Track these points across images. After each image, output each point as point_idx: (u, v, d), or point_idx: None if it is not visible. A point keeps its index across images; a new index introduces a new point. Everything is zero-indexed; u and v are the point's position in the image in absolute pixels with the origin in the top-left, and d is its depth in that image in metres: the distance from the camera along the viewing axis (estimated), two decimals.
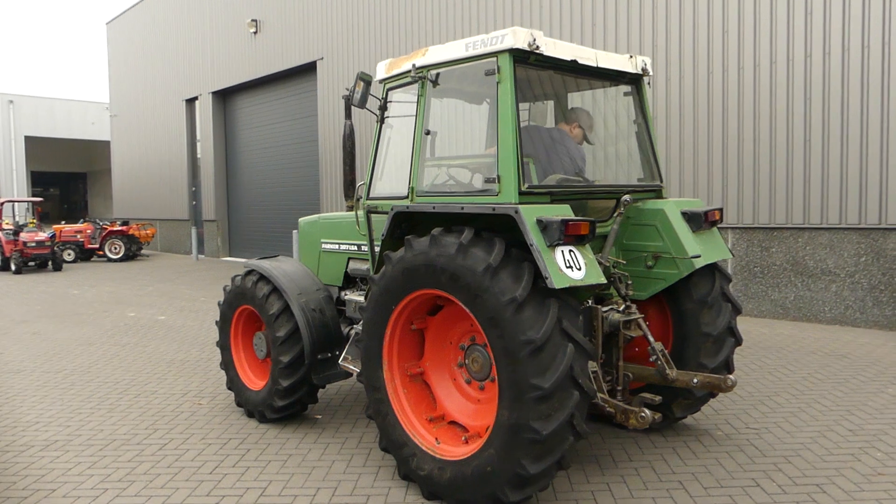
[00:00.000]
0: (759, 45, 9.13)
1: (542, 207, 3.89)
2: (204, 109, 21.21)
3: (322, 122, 16.39)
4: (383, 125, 4.99)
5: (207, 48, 20.82)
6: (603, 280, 3.84)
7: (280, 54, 17.70)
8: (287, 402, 5.48)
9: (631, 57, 4.90)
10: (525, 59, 4.16)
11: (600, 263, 4.49)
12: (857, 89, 8.40)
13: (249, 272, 5.74)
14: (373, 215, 5.04)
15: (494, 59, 4.10)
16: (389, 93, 4.92)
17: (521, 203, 3.98)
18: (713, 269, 4.92)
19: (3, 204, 20.96)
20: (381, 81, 4.99)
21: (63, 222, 25.90)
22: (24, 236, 18.47)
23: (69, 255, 21.01)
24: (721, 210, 4.92)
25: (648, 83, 5.07)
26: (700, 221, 4.73)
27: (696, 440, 5.07)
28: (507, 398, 3.68)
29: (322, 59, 16.16)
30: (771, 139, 9.09)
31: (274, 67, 17.87)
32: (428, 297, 4.22)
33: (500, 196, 4.04)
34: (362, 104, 4.77)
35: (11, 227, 19.18)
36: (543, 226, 3.69)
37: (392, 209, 4.50)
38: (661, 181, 5.10)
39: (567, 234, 3.69)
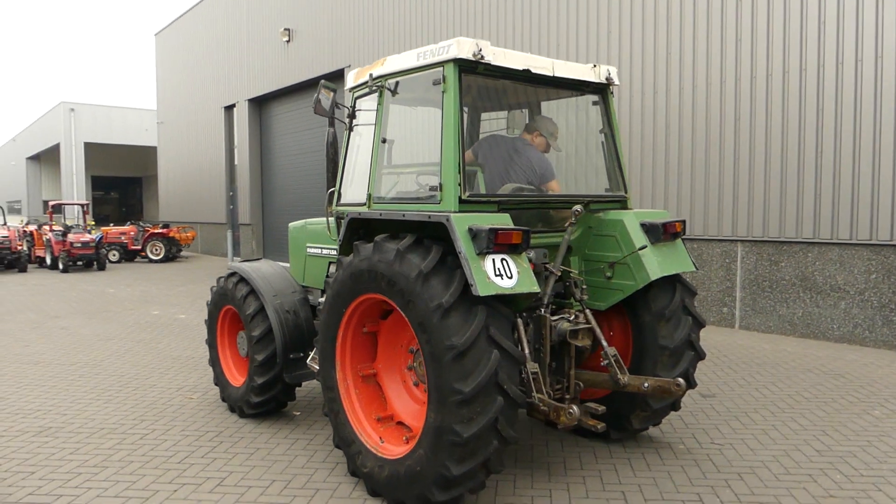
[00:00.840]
0: (772, 55, 8.98)
1: (479, 216, 3.98)
2: (241, 116, 21.92)
3: None
4: (352, 133, 5.17)
5: (244, 56, 21.54)
6: (536, 289, 3.90)
7: (310, 62, 18.19)
8: (262, 399, 5.70)
9: (594, 66, 4.95)
10: (473, 68, 4.27)
11: (550, 272, 4.55)
12: (870, 100, 8.18)
13: (231, 274, 6.00)
14: (342, 221, 5.22)
15: (441, 68, 4.23)
16: (357, 101, 5.09)
17: (462, 211, 4.10)
18: (674, 282, 4.91)
19: (53, 206, 22.07)
20: (349, 90, 5.18)
21: (111, 225, 27.06)
22: (71, 237, 19.42)
23: (114, 255, 21.96)
24: (683, 222, 4.90)
25: (611, 93, 5.10)
26: (658, 233, 4.74)
27: (655, 452, 5.06)
28: (433, 401, 3.79)
29: (350, 66, 16.54)
30: (783, 151, 8.92)
31: (305, 75, 18.36)
32: (376, 301, 4.36)
33: (442, 204, 4.16)
34: (327, 113, 4.95)
35: (61, 228, 20.18)
36: (473, 234, 3.78)
37: (346, 215, 4.67)
38: (626, 192, 5.12)
39: (497, 243, 3.77)
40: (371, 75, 4.76)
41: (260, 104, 21.48)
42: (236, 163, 22.64)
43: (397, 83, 4.64)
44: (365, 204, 4.71)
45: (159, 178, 29.33)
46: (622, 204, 5.13)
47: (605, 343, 4.61)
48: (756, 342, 8.73)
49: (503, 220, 4.01)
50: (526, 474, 4.68)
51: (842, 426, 5.58)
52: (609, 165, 5.15)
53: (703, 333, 9.21)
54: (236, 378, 6.12)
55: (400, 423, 4.54)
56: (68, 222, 22.40)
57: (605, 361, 4.58)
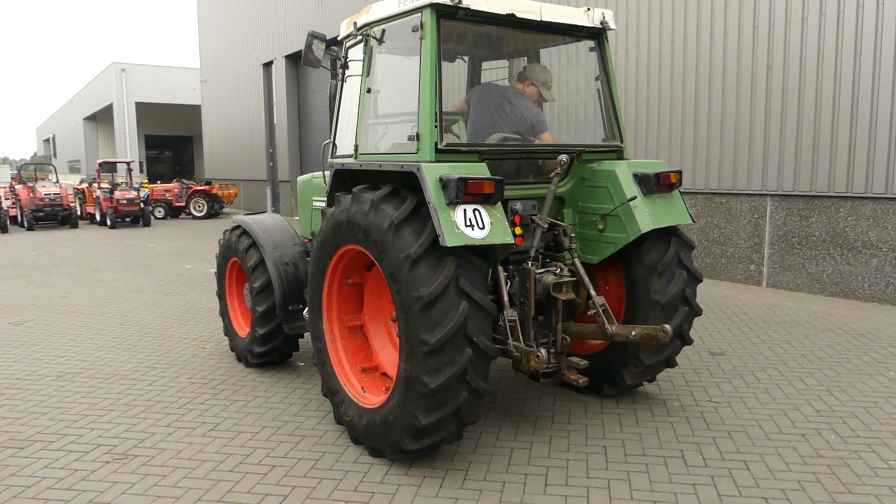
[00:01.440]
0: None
1: (455, 166, 3.91)
2: (279, 73, 22.01)
3: None
4: (344, 84, 5.11)
5: (281, 13, 21.51)
6: (509, 240, 3.84)
7: (343, 17, 18.00)
8: (265, 349, 5.85)
9: (588, 10, 4.74)
10: (452, 14, 4.15)
11: (537, 224, 4.47)
12: None
13: (236, 227, 6.10)
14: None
15: (419, 14, 4.12)
16: (348, 51, 5.02)
17: (439, 161, 4.04)
18: (669, 235, 4.76)
19: (101, 164, 22.79)
20: (340, 40, 5.11)
21: (157, 182, 27.82)
22: (117, 194, 20.07)
23: (160, 212, 22.64)
24: (679, 172, 4.73)
25: (606, 39, 4.88)
26: (651, 184, 4.58)
27: (647, 408, 4.99)
28: (403, 351, 3.81)
29: None
30: (816, 100, 8.45)
31: (338, 30, 18.19)
32: (357, 253, 4.36)
33: (419, 154, 4.10)
34: (315, 63, 4.90)
35: (108, 185, 20.86)
36: (444, 184, 3.73)
37: (332, 167, 4.67)
38: (622, 141, 4.95)
39: (468, 193, 3.71)
40: (355, 24, 4.68)
41: (297, 61, 21.50)
42: (275, 120, 22.84)
43: (383, 31, 4.55)
44: (352, 155, 4.69)
45: (203, 136, 29.89)
46: (618, 154, 4.97)
47: (593, 293, 4.54)
48: (781, 300, 8.44)
49: (479, 170, 3.93)
50: (511, 427, 4.69)
51: (850, 387, 5.38)
52: (605, 114, 4.97)
53: (728, 291, 8.98)
54: (243, 329, 6.28)
55: (384, 374, 4.59)
56: (119, 180, 23.13)
57: (593, 311, 4.51)
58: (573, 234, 4.76)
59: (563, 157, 4.38)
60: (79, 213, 22.14)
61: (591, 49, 4.95)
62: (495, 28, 4.60)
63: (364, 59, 4.62)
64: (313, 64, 4.94)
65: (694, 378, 5.65)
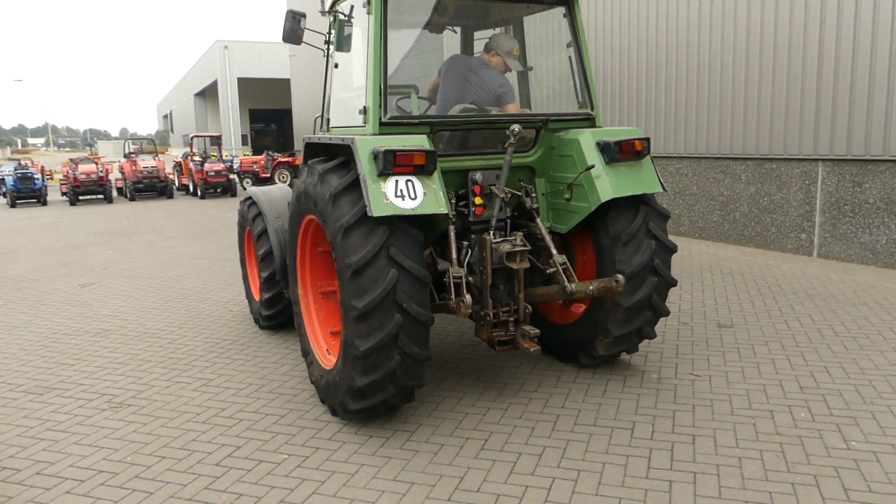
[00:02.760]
0: None
1: (394, 139, 4.01)
2: None
3: None
4: (329, 58, 5.28)
5: None
6: (442, 210, 3.90)
7: None
8: (271, 313, 6.23)
9: None
10: None
11: (493, 195, 4.48)
12: None
13: (248, 198, 6.47)
14: None
15: None
16: (329, 26, 5.16)
17: (384, 133, 4.14)
18: (637, 204, 4.64)
19: (192, 138, 24.28)
20: (324, 13, 5.24)
21: (245, 154, 29.27)
22: (206, 166, 21.37)
23: (248, 182, 23.90)
24: (645, 140, 4.57)
25: (577, 4, 4.75)
26: (612, 152, 4.47)
27: (621, 380, 4.93)
28: (342, 316, 3.99)
29: None
30: (871, 57, 7.74)
31: None
32: (317, 222, 4.56)
33: (367, 127, 4.22)
34: (294, 40, 5.07)
35: (199, 158, 22.24)
36: (374, 156, 3.83)
37: (304, 140, 4.87)
38: (593, 109, 4.83)
39: (398, 164, 3.80)
40: (322, 1, 4.81)
41: None
42: None
43: (351, 7, 4.66)
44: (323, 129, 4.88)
45: (293, 108, 31.04)
46: (590, 123, 4.86)
47: (554, 251, 4.52)
48: (825, 271, 7.91)
49: (417, 142, 4.00)
50: (477, 393, 4.79)
51: (852, 364, 5.06)
52: (576, 82, 4.86)
53: (773, 261, 8.54)
54: (257, 293, 6.69)
55: None
56: (226, 154, 24.42)
57: (553, 269, 4.50)
58: (536, 203, 4.73)
59: (515, 127, 4.34)
60: (176, 184, 23.77)
61: (564, 15, 4.83)
62: None
63: (334, 36, 4.76)
64: (295, 41, 5.12)
65: (687, 350, 5.50)
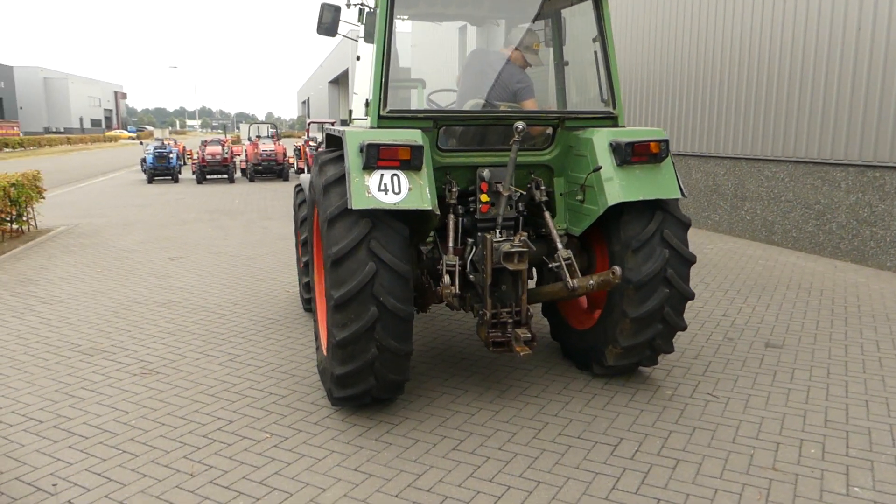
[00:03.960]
0: None
1: (387, 132, 4.03)
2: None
3: None
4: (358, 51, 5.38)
5: None
6: (426, 206, 3.88)
7: None
8: (310, 296, 6.46)
9: None
10: None
11: (498, 193, 4.39)
12: None
13: (297, 185, 6.74)
14: None
15: None
16: (358, 17, 5.26)
17: (382, 127, 4.18)
18: (654, 209, 4.36)
19: (310, 124, 25.46)
20: (349, 5, 5.33)
21: None
22: (320, 150, 22.35)
23: None
24: (662, 142, 4.27)
25: None
26: (624, 153, 4.23)
27: (631, 393, 4.68)
28: (326, 304, 4.08)
29: None
30: None
31: None
32: None
33: (369, 120, 4.27)
34: (330, 32, 5.20)
35: (314, 143, 23.31)
36: (361, 149, 3.88)
37: (324, 130, 5.00)
38: (615, 107, 4.59)
39: (381, 158, 3.82)
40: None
41: None
42: None
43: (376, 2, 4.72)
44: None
45: None
46: (613, 122, 4.62)
47: (560, 246, 4.39)
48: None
49: (410, 137, 4.00)
50: (477, 392, 4.74)
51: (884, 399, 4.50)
52: (600, 79, 4.63)
53: (865, 279, 7.75)
54: (301, 277, 6.97)
55: None
56: None
57: (556, 264, 4.36)
58: (544, 196, 4.58)
59: (520, 125, 4.21)
60: (296, 167, 25.09)
61: (593, 8, 4.61)
62: None
63: (363, 29, 4.84)
64: (330, 34, 5.26)
65: (718, 369, 5.12)
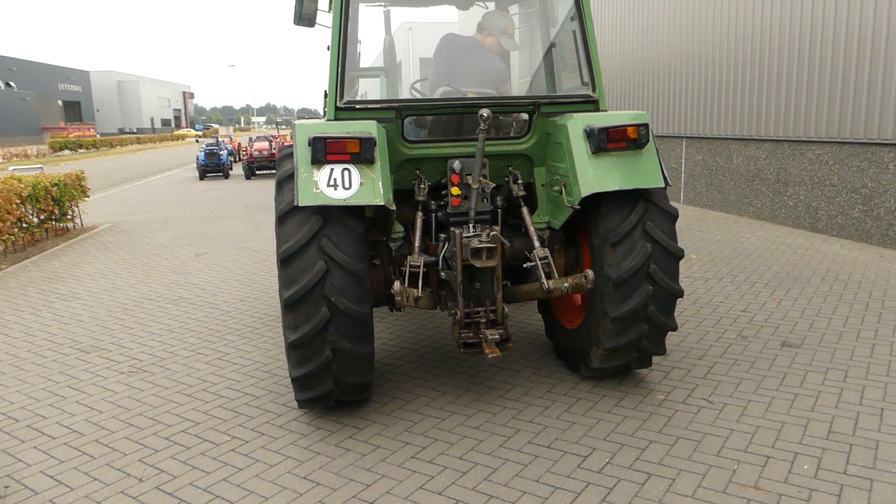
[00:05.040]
0: None
1: (341, 124, 3.83)
2: None
3: None
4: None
5: None
6: (378, 201, 3.68)
7: None
8: None
9: None
10: None
11: (467, 185, 4.14)
12: None
13: None
14: None
15: None
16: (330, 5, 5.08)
17: (339, 119, 3.99)
18: (635, 200, 4.02)
19: None
20: None
21: None
22: None
23: None
24: (641, 126, 3.91)
25: None
26: (599, 140, 3.90)
27: (618, 398, 4.36)
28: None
29: None
30: None
31: None
32: None
33: (328, 113, 4.09)
34: (309, 23, 5.06)
35: None
36: (309, 143, 3.70)
37: (295, 124, 4.85)
38: (594, 90, 4.25)
39: (329, 152, 3.64)
40: None
41: None
42: None
43: None
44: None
45: None
46: (593, 106, 4.28)
47: (537, 244, 4.13)
48: None
49: (364, 129, 3.80)
50: (455, 395, 4.52)
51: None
52: (578, 61, 4.30)
53: None
54: None
55: None
56: None
57: (532, 264, 4.10)
58: (522, 191, 4.30)
59: (484, 112, 3.94)
60: None
61: None
62: None
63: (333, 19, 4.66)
64: (308, 24, 5.12)
65: (722, 371, 4.73)
